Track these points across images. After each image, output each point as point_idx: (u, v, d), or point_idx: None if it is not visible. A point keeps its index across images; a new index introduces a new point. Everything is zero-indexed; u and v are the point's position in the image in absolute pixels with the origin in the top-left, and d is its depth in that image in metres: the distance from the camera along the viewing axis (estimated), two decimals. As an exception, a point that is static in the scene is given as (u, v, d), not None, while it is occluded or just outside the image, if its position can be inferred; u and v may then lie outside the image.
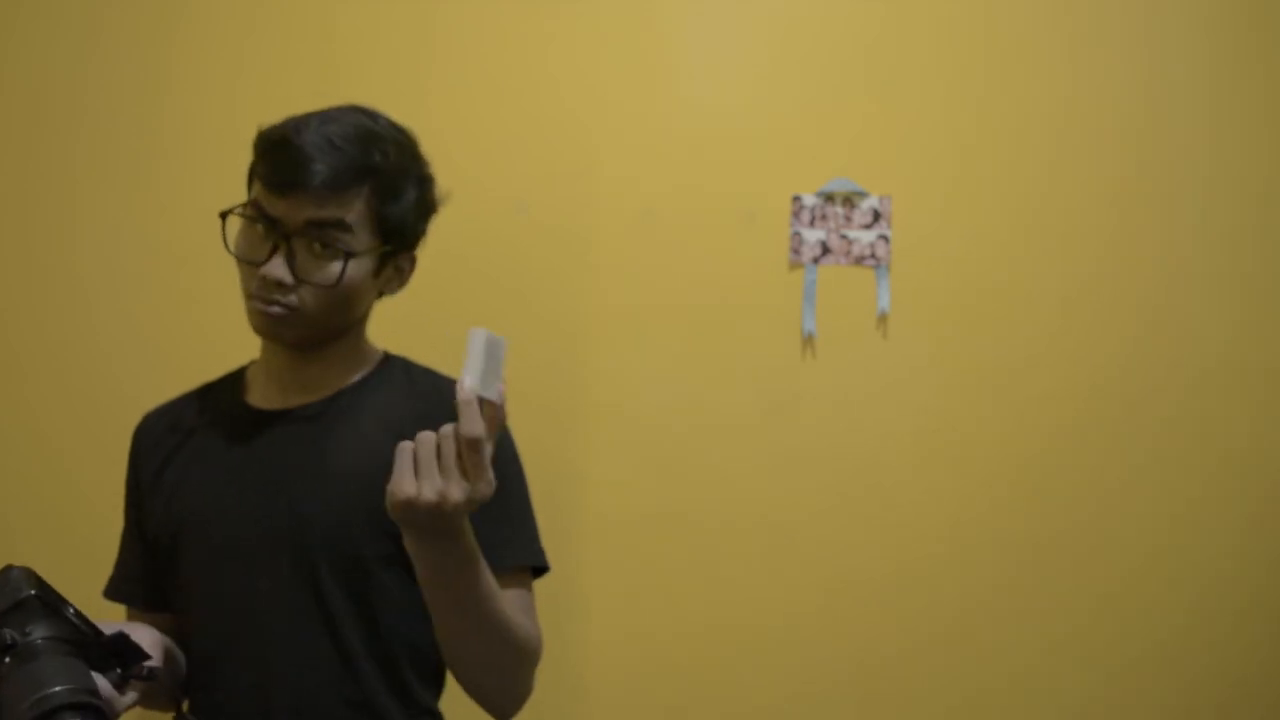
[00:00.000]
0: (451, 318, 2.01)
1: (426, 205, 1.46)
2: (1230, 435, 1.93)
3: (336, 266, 1.36)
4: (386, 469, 1.39)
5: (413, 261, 1.49)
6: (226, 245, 1.39)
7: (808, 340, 1.99)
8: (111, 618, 1.34)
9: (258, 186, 1.38)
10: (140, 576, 1.49)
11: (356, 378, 1.47)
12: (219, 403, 1.50)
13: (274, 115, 1.42)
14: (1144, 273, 1.97)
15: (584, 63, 2.05)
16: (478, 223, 2.03)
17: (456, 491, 1.16)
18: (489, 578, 1.29)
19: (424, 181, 1.46)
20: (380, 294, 1.47)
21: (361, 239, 1.38)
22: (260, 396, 1.48)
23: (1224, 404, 1.93)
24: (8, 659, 1.06)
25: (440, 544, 1.22)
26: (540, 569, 1.47)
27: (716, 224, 2.01)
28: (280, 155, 1.36)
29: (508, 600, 1.35)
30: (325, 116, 1.39)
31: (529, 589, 1.45)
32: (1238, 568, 1.92)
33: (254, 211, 1.37)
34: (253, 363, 1.52)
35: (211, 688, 1.41)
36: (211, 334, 1.93)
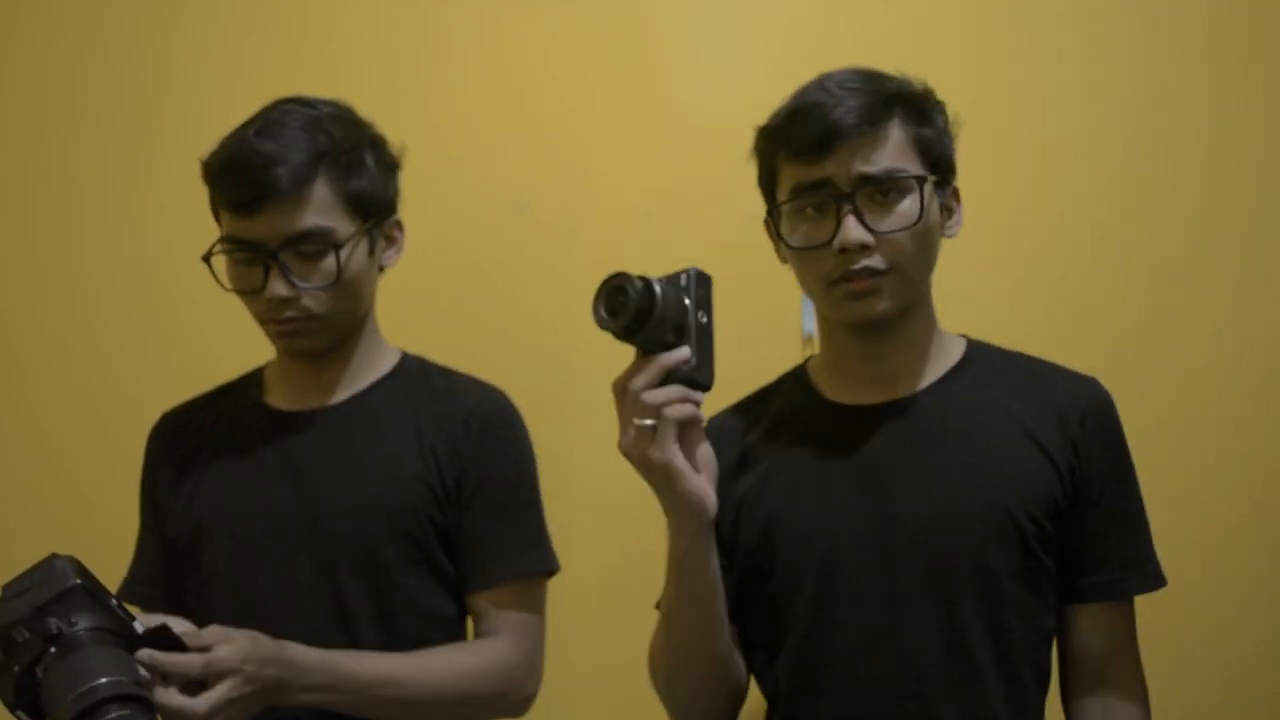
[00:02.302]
0: (451, 316, 2.01)
1: (388, 165, 1.46)
2: (1221, 436, 1.92)
3: (330, 262, 1.36)
4: (407, 471, 1.39)
5: (400, 226, 1.48)
6: (220, 284, 1.39)
7: (808, 340, 1.99)
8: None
9: (226, 216, 1.38)
10: (159, 579, 1.49)
11: (374, 378, 1.47)
12: (238, 404, 1.50)
13: (274, 115, 1.42)
14: (1135, 272, 1.97)
15: (583, 62, 2.05)
16: (477, 222, 2.04)
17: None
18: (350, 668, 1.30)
19: (377, 144, 1.45)
20: (381, 269, 1.47)
21: (342, 226, 1.37)
22: (279, 397, 1.48)
23: (1216, 405, 1.92)
24: (53, 649, 1.07)
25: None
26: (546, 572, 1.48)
27: (716, 224, 2.01)
28: (235, 176, 1.36)
29: (436, 656, 1.37)
30: (262, 121, 1.39)
31: (524, 598, 1.44)
32: (1229, 570, 1.91)
33: (231, 244, 1.37)
34: (270, 363, 1.52)
35: None
36: (211, 334, 1.93)
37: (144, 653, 1.13)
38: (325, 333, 1.40)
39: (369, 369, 1.47)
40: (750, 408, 1.41)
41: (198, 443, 1.48)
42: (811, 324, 1.99)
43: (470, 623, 1.47)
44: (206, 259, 1.38)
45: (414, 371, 1.50)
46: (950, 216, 1.32)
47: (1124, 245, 1.97)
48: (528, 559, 1.44)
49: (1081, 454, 1.27)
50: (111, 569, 1.55)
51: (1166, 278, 1.96)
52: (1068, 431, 1.27)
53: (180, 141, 2.15)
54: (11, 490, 2.06)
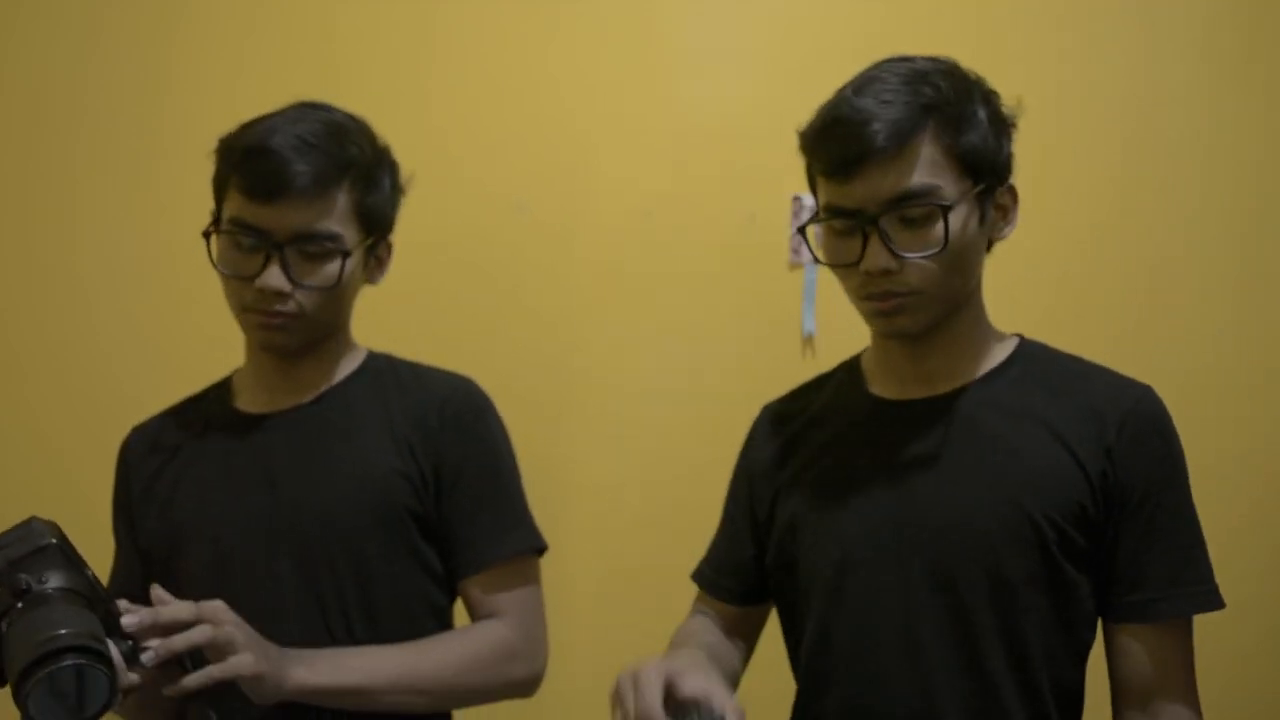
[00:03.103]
0: (450, 316, 2.02)
1: (399, 190, 1.46)
2: (1221, 436, 1.91)
3: (333, 267, 1.36)
4: (383, 465, 1.40)
5: (390, 248, 1.48)
6: (213, 262, 1.38)
7: (808, 340, 1.99)
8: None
9: (236, 198, 1.36)
10: (137, 594, 1.47)
11: (343, 375, 1.47)
12: (207, 412, 1.49)
13: (274, 115, 1.42)
14: (1135, 272, 1.97)
15: (583, 62, 2.05)
16: (477, 222, 2.04)
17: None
18: (357, 662, 1.33)
19: (394, 167, 1.46)
20: (363, 283, 1.48)
21: (350, 235, 1.37)
22: (249, 401, 1.47)
23: (1216, 405, 1.92)
24: (20, 604, 1.06)
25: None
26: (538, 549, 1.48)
27: (716, 224, 2.01)
28: (259, 163, 1.34)
29: (434, 643, 1.39)
30: (290, 117, 1.37)
31: (517, 577, 1.44)
32: (1229, 570, 1.89)
33: (238, 227, 1.36)
34: (237, 370, 1.52)
35: (214, 695, 1.40)
36: (211, 334, 1.92)
37: (128, 618, 1.16)
38: (305, 333, 1.40)
39: (338, 368, 1.47)
40: (803, 395, 1.41)
41: (170, 453, 1.47)
42: (811, 324, 1.99)
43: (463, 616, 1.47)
44: (206, 235, 1.38)
45: (382, 367, 1.50)
46: (1004, 216, 1.29)
47: (1124, 245, 1.97)
48: (513, 538, 1.44)
49: (1117, 461, 1.22)
50: (109, 571, 1.55)
51: (1166, 278, 1.96)
52: (1103, 437, 1.23)
53: (180, 141, 2.16)
54: (11, 490, 2.06)
